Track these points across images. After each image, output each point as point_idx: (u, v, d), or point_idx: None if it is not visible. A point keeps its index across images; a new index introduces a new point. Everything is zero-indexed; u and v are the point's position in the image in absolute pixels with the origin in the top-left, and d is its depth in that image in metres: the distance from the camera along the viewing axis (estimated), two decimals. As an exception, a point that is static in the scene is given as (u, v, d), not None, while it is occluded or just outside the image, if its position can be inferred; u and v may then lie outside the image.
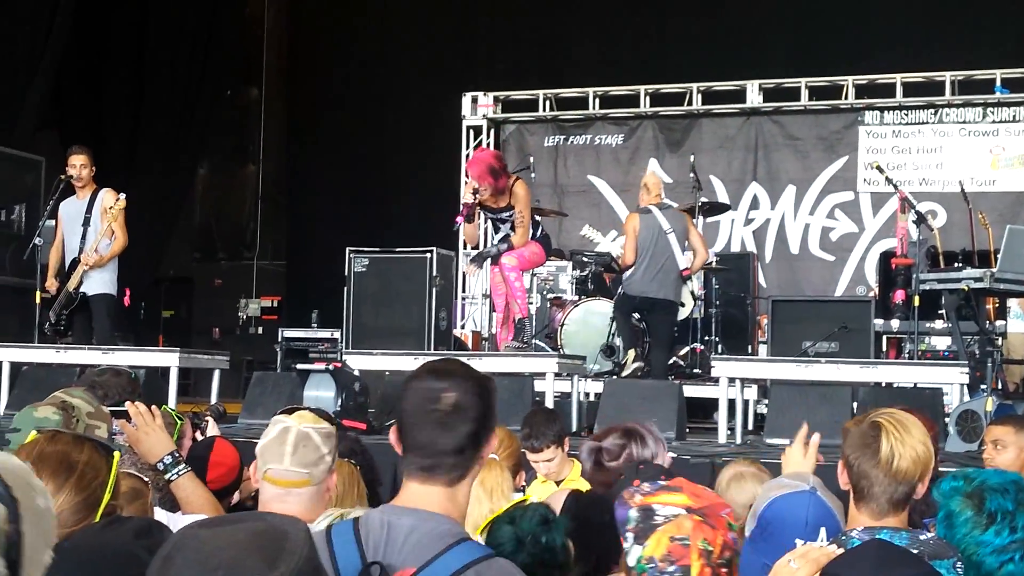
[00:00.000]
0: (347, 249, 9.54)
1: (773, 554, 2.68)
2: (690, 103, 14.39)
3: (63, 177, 9.81)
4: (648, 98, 14.54)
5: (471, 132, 15.12)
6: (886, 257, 11.58)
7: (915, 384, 8.73)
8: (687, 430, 8.44)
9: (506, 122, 15.10)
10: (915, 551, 2.22)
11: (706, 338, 10.87)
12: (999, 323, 10.57)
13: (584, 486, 3.72)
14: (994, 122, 13.45)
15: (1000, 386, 8.25)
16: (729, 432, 8.15)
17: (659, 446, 3.95)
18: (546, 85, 14.88)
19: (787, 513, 2.99)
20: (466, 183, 9.32)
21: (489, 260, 9.60)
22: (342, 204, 16.32)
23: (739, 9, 14.75)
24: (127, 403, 4.09)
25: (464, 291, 14.35)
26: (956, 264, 9.12)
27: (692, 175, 11.38)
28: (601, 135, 14.81)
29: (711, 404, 9.43)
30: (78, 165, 9.59)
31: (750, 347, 11.69)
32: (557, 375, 8.45)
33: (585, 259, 11.29)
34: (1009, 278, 7.97)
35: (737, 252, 13.52)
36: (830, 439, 5.52)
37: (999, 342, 9.77)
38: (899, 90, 13.65)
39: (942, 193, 13.22)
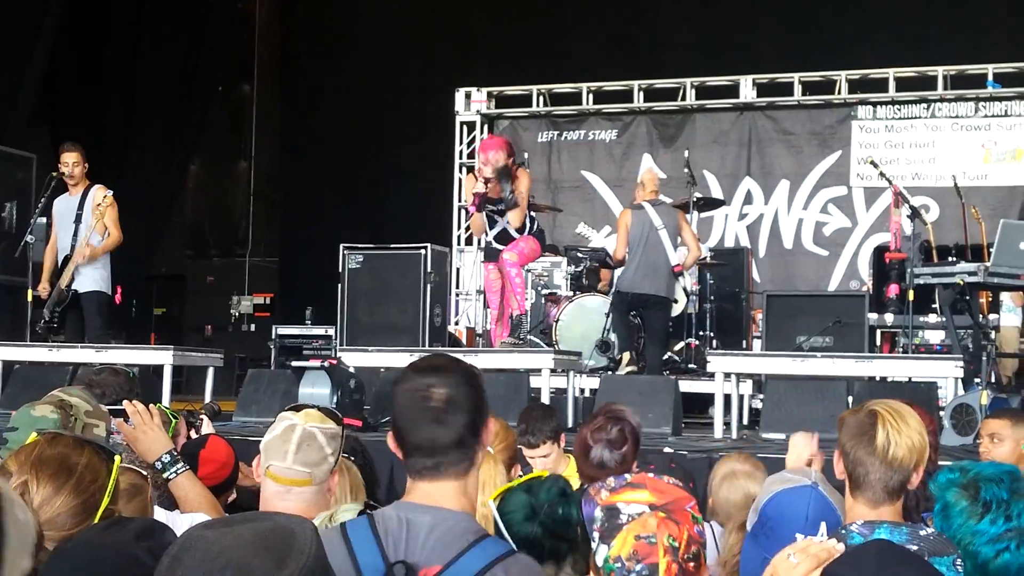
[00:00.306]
0: (341, 246, 9.52)
1: (773, 549, 2.67)
2: (684, 98, 14.40)
3: (54, 174, 9.78)
4: (642, 93, 14.55)
5: (465, 128, 15.11)
6: (880, 252, 11.61)
7: (910, 378, 8.74)
8: (683, 425, 8.44)
9: (500, 117, 15.09)
10: (915, 547, 2.22)
11: (701, 333, 10.88)
12: (992, 317, 10.58)
13: (578, 482, 3.73)
14: (986, 116, 13.48)
15: (994, 379, 8.27)
16: (725, 427, 8.15)
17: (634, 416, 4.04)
18: (540, 80, 14.89)
19: (788, 508, 2.99)
20: (477, 170, 9.27)
21: (485, 252, 9.59)
22: (335, 200, 16.32)
23: (732, 4, 14.78)
24: (125, 402, 4.07)
25: (459, 287, 14.35)
26: (950, 258, 9.13)
27: (686, 170, 11.41)
28: (595, 130, 14.81)
29: (707, 399, 9.43)
30: (70, 163, 9.56)
31: (745, 342, 11.70)
32: (553, 371, 8.44)
33: (580, 255, 11.29)
34: (1003, 272, 7.97)
35: (731, 247, 13.53)
36: (825, 433, 5.53)
37: (993, 336, 9.79)
38: (892, 85, 13.68)
39: (935, 187, 13.23)
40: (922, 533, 2.27)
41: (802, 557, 2.27)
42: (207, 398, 9.30)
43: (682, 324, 10.85)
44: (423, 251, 9.21)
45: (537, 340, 10.61)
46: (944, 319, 9.09)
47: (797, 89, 13.98)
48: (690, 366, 10.56)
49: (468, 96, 15.10)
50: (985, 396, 7.44)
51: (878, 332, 10.74)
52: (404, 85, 15.86)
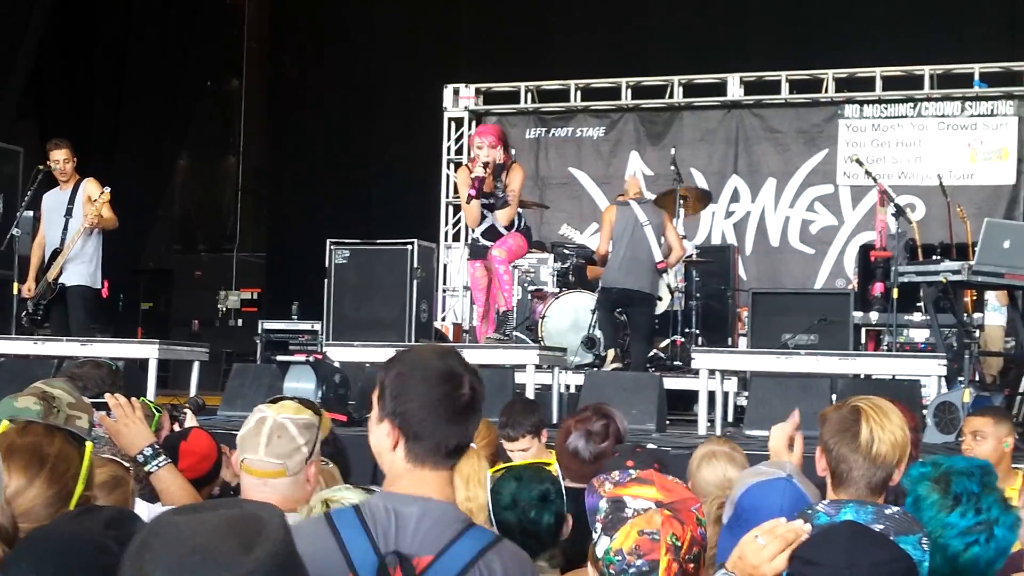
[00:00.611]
0: (327, 241, 9.52)
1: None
2: (671, 96, 14.41)
3: (41, 168, 9.77)
4: (629, 91, 14.56)
5: (452, 124, 15.11)
6: (865, 250, 11.63)
7: (893, 376, 8.77)
8: (667, 422, 8.47)
9: (487, 114, 15.09)
10: (881, 526, 2.24)
11: (686, 330, 10.90)
12: (977, 315, 10.64)
13: None
14: (973, 116, 13.52)
15: (977, 378, 8.30)
16: (709, 424, 8.18)
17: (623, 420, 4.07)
18: (528, 77, 14.90)
19: (763, 500, 3.01)
20: (471, 158, 9.26)
21: (471, 249, 9.60)
22: (323, 196, 16.31)
23: (720, 2, 14.81)
24: (107, 395, 4.06)
25: (445, 283, 14.36)
26: (934, 257, 9.16)
27: (673, 168, 11.42)
28: (582, 127, 14.82)
29: (691, 396, 9.46)
30: (60, 160, 9.54)
31: (730, 339, 11.73)
32: (538, 367, 8.46)
33: (566, 251, 11.32)
34: (986, 271, 8.01)
35: (718, 245, 13.55)
36: (809, 430, 5.55)
37: (976, 334, 9.84)
38: (879, 84, 13.71)
39: (921, 186, 13.27)
40: (887, 512, 2.28)
41: (769, 539, 2.29)
42: (192, 392, 9.30)
43: (668, 321, 10.87)
44: (410, 247, 9.20)
45: (523, 336, 10.63)
46: (928, 317, 9.11)
47: (784, 87, 14.01)
48: (676, 363, 10.59)
49: (456, 92, 15.10)
50: (968, 394, 7.48)
51: (863, 330, 10.76)
52: (392, 81, 15.85)
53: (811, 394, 7.92)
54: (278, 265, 17.45)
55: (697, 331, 10.99)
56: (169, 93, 17.14)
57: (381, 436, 2.52)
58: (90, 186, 9.54)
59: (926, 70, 13.51)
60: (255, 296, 18.53)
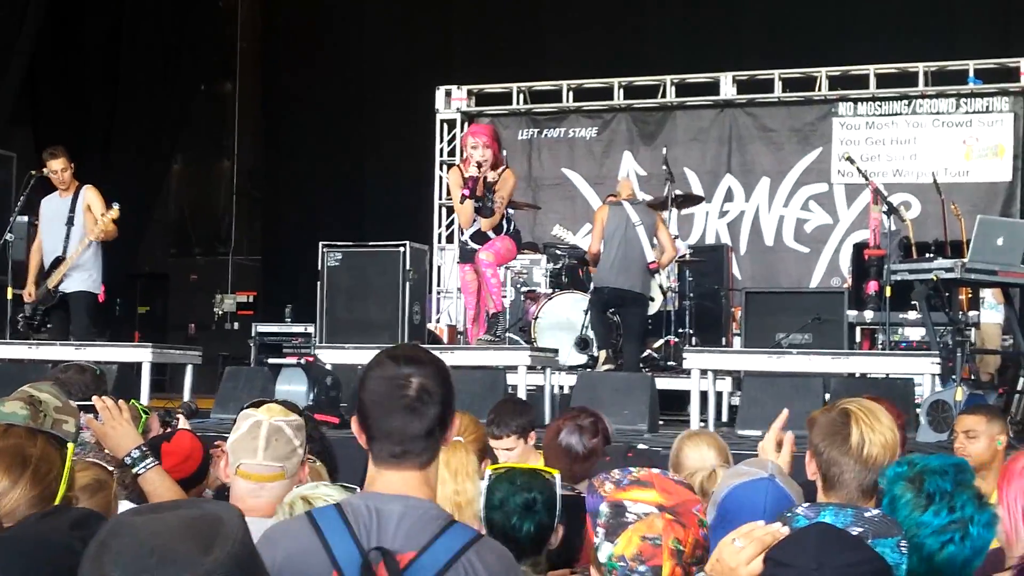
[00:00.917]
0: (320, 243, 9.52)
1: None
2: (664, 95, 14.40)
3: (34, 173, 9.77)
4: (622, 91, 14.55)
5: (445, 125, 15.11)
6: (859, 248, 11.63)
7: (887, 375, 8.76)
8: (660, 423, 8.46)
9: (480, 115, 15.07)
10: (860, 529, 2.23)
11: (680, 331, 10.89)
12: (972, 313, 10.61)
13: None
14: (967, 113, 13.51)
15: (972, 376, 8.29)
16: (702, 424, 8.17)
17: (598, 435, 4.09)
18: (520, 78, 14.89)
19: (745, 500, 3.00)
20: (464, 158, 9.25)
21: (460, 253, 9.60)
22: (317, 199, 16.32)
23: (713, 1, 14.79)
24: (94, 397, 4.07)
25: (439, 285, 14.36)
26: (928, 255, 9.15)
27: (664, 167, 11.40)
28: (575, 128, 14.81)
29: (686, 396, 9.45)
30: (58, 170, 9.54)
31: (724, 339, 11.72)
32: (530, 368, 8.46)
33: (559, 252, 11.31)
34: (980, 268, 8.00)
35: (711, 244, 13.54)
36: (802, 430, 5.54)
37: (970, 332, 9.81)
38: (873, 81, 13.70)
39: (916, 184, 13.27)
40: (867, 515, 2.28)
41: (746, 541, 2.28)
42: (186, 396, 9.29)
43: (661, 321, 10.87)
44: (402, 249, 9.20)
45: (515, 337, 10.63)
46: (922, 315, 9.10)
47: (777, 86, 14.00)
48: (669, 363, 10.58)
49: (448, 94, 15.09)
50: (960, 392, 7.47)
51: (858, 329, 10.76)
52: (385, 83, 15.85)
53: (804, 394, 7.92)
54: (273, 268, 17.45)
55: (691, 331, 10.99)
56: (163, 96, 17.14)
57: (356, 432, 2.59)
58: (90, 194, 9.54)
59: (920, 67, 13.50)
60: (251, 299, 18.51)
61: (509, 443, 4.95)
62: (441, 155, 15.02)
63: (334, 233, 10.05)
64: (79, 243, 9.44)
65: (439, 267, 14.39)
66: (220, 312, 18.67)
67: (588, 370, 9.81)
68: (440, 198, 14.81)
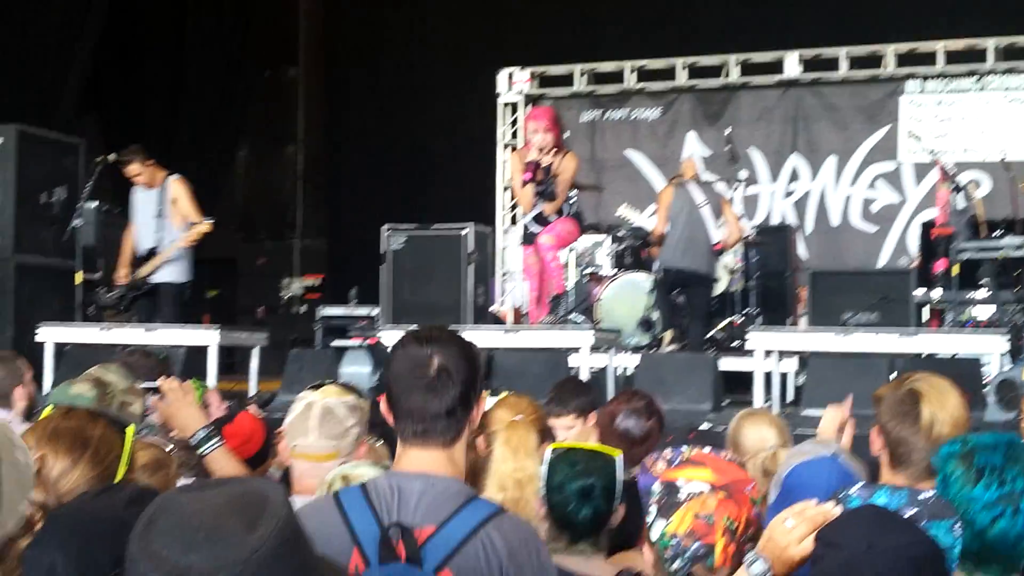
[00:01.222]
0: (384, 226, 9.57)
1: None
2: (728, 75, 14.29)
3: (99, 160, 9.94)
4: (685, 71, 14.45)
5: (507, 108, 15.11)
6: (927, 227, 11.50)
7: (955, 354, 8.66)
8: (724, 403, 8.42)
9: (542, 98, 15.04)
10: (914, 511, 2.22)
11: (745, 311, 10.82)
12: (1041, 291, 10.45)
13: None
14: (1039, 88, 13.28)
15: (1042, 354, 8.17)
16: (767, 404, 8.12)
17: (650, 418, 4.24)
18: (582, 59, 14.84)
19: (809, 479, 2.99)
20: (524, 142, 9.28)
21: (523, 235, 9.61)
22: (381, 182, 16.37)
23: (777, -22, 14.65)
24: (160, 379, 4.13)
25: (502, 267, 14.38)
26: (996, 233, 9.03)
27: (729, 147, 11.32)
28: (638, 109, 14.74)
29: (750, 377, 9.40)
30: (134, 174, 9.72)
31: (790, 319, 11.63)
32: (593, 349, 8.45)
33: (622, 233, 11.28)
34: (1050, 245, 7.89)
35: (776, 224, 13.44)
36: (867, 409, 5.49)
37: (1040, 310, 9.66)
38: (941, 58, 13.48)
39: (985, 162, 13.04)
40: (921, 497, 2.26)
41: (798, 520, 2.27)
42: (253, 378, 9.40)
43: (726, 302, 10.81)
44: (465, 231, 9.22)
45: (578, 319, 10.62)
46: (990, 293, 8.99)
47: (843, 64, 13.82)
48: (733, 344, 10.52)
49: (510, 77, 15.09)
50: (1029, 371, 7.38)
51: (925, 308, 10.62)
52: (447, 66, 15.86)
53: (869, 373, 7.83)
54: (339, 251, 17.56)
55: (756, 311, 10.91)
56: (227, 82, 17.29)
57: (384, 411, 2.64)
58: (176, 187, 9.72)
59: (990, 42, 13.25)
60: (318, 283, 18.65)
61: (568, 422, 4.95)
62: (504, 138, 15.03)
63: (398, 216, 10.08)
64: (170, 237, 9.61)
65: (503, 249, 14.41)
66: (287, 296, 18.83)
67: (652, 351, 9.79)
68: (503, 181, 14.82)
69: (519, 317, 12.48)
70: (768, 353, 8.23)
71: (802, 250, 13.30)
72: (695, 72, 14.49)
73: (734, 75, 14.24)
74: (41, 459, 2.56)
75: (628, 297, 10.59)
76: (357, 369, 8.10)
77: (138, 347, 5.73)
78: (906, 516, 2.22)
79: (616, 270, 11.01)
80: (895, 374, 7.80)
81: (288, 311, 18.49)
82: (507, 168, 14.38)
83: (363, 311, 12.13)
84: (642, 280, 10.55)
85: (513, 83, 15.06)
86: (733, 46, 14.18)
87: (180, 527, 1.44)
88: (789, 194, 14.09)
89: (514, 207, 14.48)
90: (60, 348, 9.57)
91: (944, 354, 8.66)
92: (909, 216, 13.59)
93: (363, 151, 16.88)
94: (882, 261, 13.51)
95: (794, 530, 2.26)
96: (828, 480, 2.95)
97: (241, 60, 17.60)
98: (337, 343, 8.55)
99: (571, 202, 9.33)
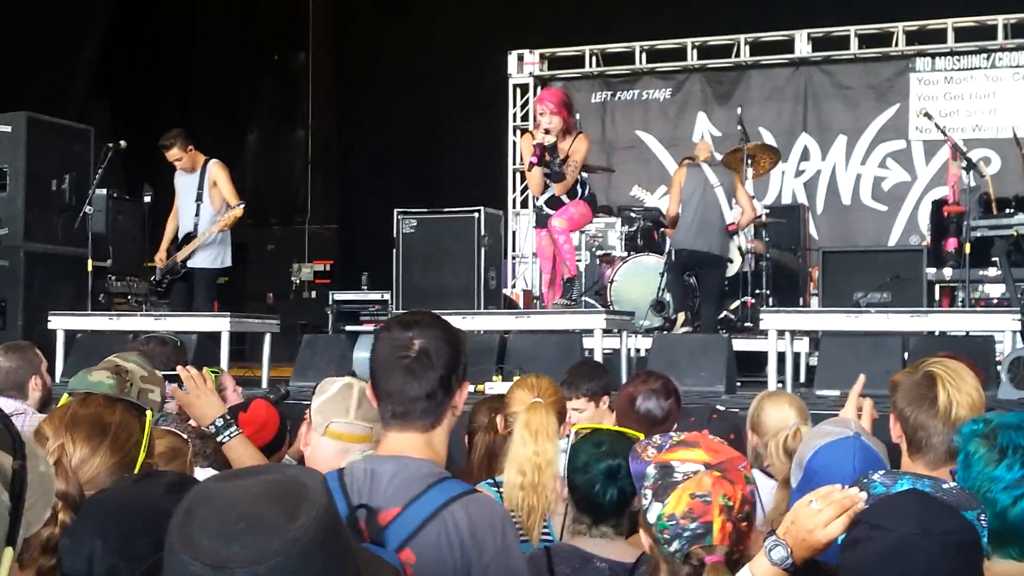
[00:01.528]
0: (395, 211, 9.56)
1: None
2: (738, 55, 14.26)
3: (111, 146, 9.94)
4: (695, 51, 14.42)
5: (518, 90, 15.09)
6: (938, 205, 11.45)
7: (967, 332, 8.64)
8: (738, 384, 8.42)
9: (552, 79, 15.03)
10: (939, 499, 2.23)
11: (757, 292, 10.81)
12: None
13: None
14: (1048, 66, 13.23)
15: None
16: (779, 385, 8.11)
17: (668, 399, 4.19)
18: (592, 41, 14.81)
19: (833, 461, 2.98)
20: (535, 124, 9.26)
21: (536, 218, 9.59)
22: (391, 166, 16.36)
23: (786, -42, 14.60)
24: (179, 367, 4.13)
25: (515, 250, 14.37)
26: (1008, 210, 8.99)
27: (740, 128, 11.29)
28: (648, 90, 14.73)
29: (763, 357, 9.39)
30: (174, 159, 9.73)
31: (802, 300, 11.62)
32: (606, 331, 8.44)
33: (633, 215, 11.27)
34: (1061, 222, 7.87)
35: (787, 204, 13.42)
36: (881, 389, 5.48)
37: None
38: (951, 35, 13.44)
39: (996, 139, 13.02)
40: (945, 487, 2.26)
41: (824, 503, 2.27)
42: (265, 365, 9.41)
43: (738, 283, 10.80)
44: (476, 214, 9.21)
45: (591, 301, 10.62)
46: (1002, 271, 8.96)
47: (853, 42, 13.80)
48: (746, 325, 10.51)
49: (520, 58, 15.08)
50: (1043, 348, 7.36)
51: (937, 287, 10.60)
52: (456, 49, 15.83)
53: (882, 353, 7.84)
54: (349, 237, 17.57)
55: (768, 292, 10.90)
56: (237, 67, 17.29)
57: (369, 396, 2.69)
58: (216, 171, 9.73)
59: (1000, 19, 13.22)
60: (328, 268, 18.64)
61: (579, 404, 4.96)
62: (514, 120, 15.02)
63: (409, 200, 10.07)
64: (210, 220, 9.62)
65: (514, 232, 14.41)
66: (298, 281, 18.83)
67: (665, 332, 9.79)
68: (514, 163, 14.82)
69: (531, 300, 12.48)
70: (781, 333, 8.22)
71: (812, 230, 13.28)
72: (705, 52, 14.47)
73: (744, 55, 14.21)
74: (60, 447, 2.57)
75: (640, 279, 10.58)
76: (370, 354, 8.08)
77: (155, 335, 5.73)
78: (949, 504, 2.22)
79: (628, 252, 11.00)
80: (908, 353, 7.82)
81: (298, 297, 18.48)
82: (518, 151, 14.37)
83: (375, 296, 12.13)
84: (654, 262, 10.54)
85: (524, 65, 15.04)
86: (743, 26, 14.16)
87: (220, 517, 1.43)
88: (800, 173, 14.07)
89: (524, 190, 14.46)
90: (71, 336, 9.57)
91: (957, 332, 8.65)
92: (919, 194, 13.57)
93: (373, 135, 16.86)
94: (893, 240, 13.49)
95: (821, 513, 2.26)
96: (852, 461, 2.95)
97: (250, 45, 17.59)
98: (350, 328, 8.55)
99: (584, 184, 9.30)
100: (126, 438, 2.67)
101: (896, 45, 13.68)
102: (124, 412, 2.73)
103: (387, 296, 11.47)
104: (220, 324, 9.11)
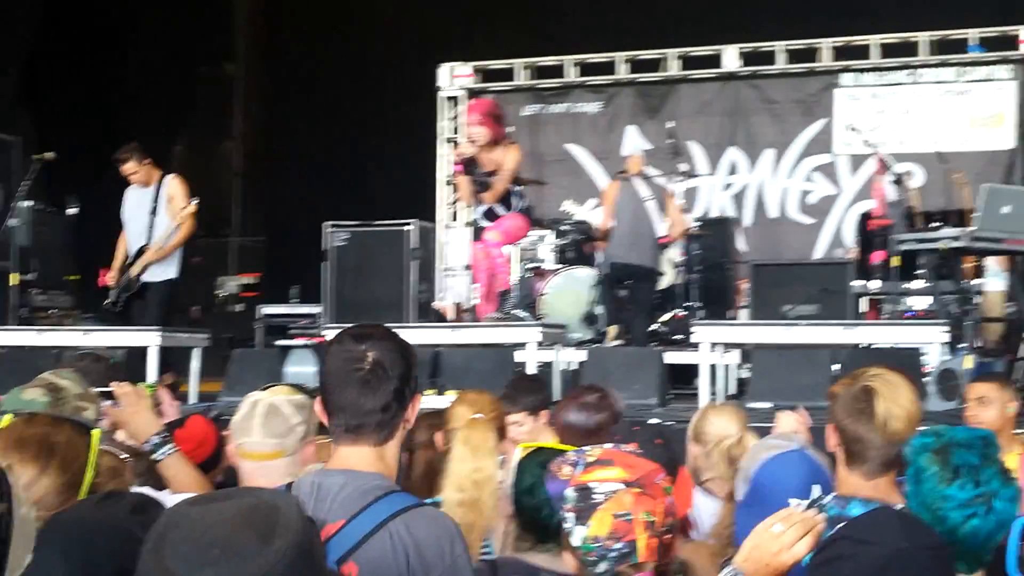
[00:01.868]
0: (325, 223, 9.51)
1: (768, 516, 2.69)
2: (668, 69, 14.37)
3: (37, 158, 9.79)
4: (626, 65, 14.51)
5: (449, 103, 15.08)
6: (864, 218, 11.63)
7: (895, 345, 8.77)
8: (670, 396, 8.48)
9: (483, 92, 15.03)
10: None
11: (687, 304, 10.88)
12: (977, 281, 10.62)
13: None
14: (969, 81, 13.46)
15: (979, 344, 8.31)
16: (712, 397, 8.18)
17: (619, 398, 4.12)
18: (523, 54, 14.84)
19: (780, 473, 3.00)
20: (468, 135, 9.26)
21: (474, 231, 9.60)
22: (321, 178, 16.26)
23: (716, -27, 14.74)
24: (113, 384, 4.07)
25: (445, 263, 14.34)
26: (934, 224, 9.15)
27: (670, 141, 11.39)
28: (579, 103, 14.78)
29: (693, 370, 9.45)
30: (130, 172, 9.58)
31: (731, 312, 11.71)
32: (539, 344, 8.46)
33: (565, 228, 11.29)
34: (986, 236, 8.01)
35: (717, 217, 13.53)
36: (812, 401, 5.55)
37: (977, 300, 9.83)
38: (875, 51, 13.65)
39: (919, 153, 13.22)
40: (897, 508, 2.31)
41: (786, 525, 2.28)
42: (194, 380, 9.30)
43: (668, 295, 10.86)
44: (408, 227, 9.19)
45: (523, 314, 10.62)
46: (928, 285, 9.11)
47: (781, 58, 13.96)
48: (677, 337, 10.57)
49: (452, 71, 15.06)
50: (969, 360, 7.49)
51: (863, 299, 10.75)
52: (388, 60, 15.79)
53: (812, 365, 7.94)
54: (277, 249, 17.42)
55: (698, 304, 10.97)
56: (165, 78, 17.10)
57: (318, 411, 2.66)
58: (173, 185, 9.62)
59: (922, 36, 13.45)
60: (254, 281, 18.47)
61: (518, 418, 4.95)
62: (445, 132, 15.00)
63: (338, 213, 10.02)
64: (164, 233, 9.47)
65: (444, 245, 14.38)
66: (223, 294, 18.65)
67: (597, 346, 9.82)
68: (445, 176, 14.79)
69: (460, 313, 12.46)
70: (712, 346, 8.28)
71: (741, 243, 13.40)
72: (635, 66, 14.56)
73: (674, 69, 14.32)
74: (7, 469, 2.51)
75: (571, 292, 10.60)
76: (302, 369, 8.04)
77: (89, 352, 5.64)
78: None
79: (559, 265, 11.02)
80: (838, 366, 7.92)
81: (223, 310, 18.30)
82: (448, 163, 14.35)
83: (304, 309, 12.03)
84: (585, 275, 10.56)
85: (455, 77, 15.04)
86: (673, 40, 14.26)
87: (193, 542, 1.41)
88: (728, 187, 14.19)
89: (455, 203, 14.46)
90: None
91: (885, 345, 8.78)
92: (845, 208, 13.74)
93: (302, 147, 16.77)
94: (819, 253, 13.65)
95: (785, 534, 2.27)
96: (800, 473, 2.97)
97: (179, 55, 17.40)
98: (282, 343, 8.48)
99: (520, 197, 9.30)
100: (73, 458, 2.63)
101: (822, 61, 13.86)
102: (71, 431, 2.69)
103: (317, 309, 11.39)
104: (150, 339, 8.98)
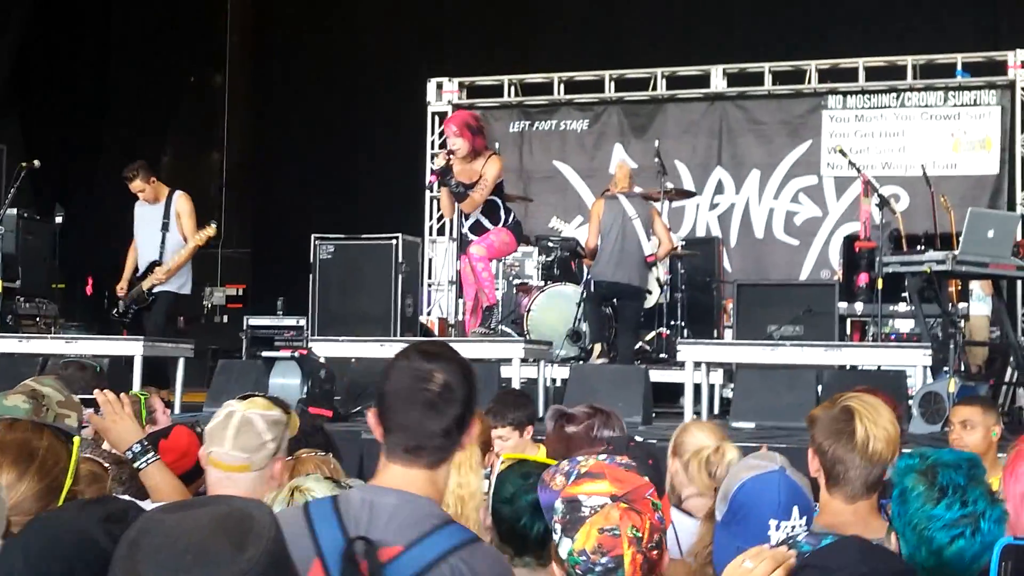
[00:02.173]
0: (312, 236, 9.51)
1: (747, 536, 2.69)
2: (655, 88, 14.41)
3: (24, 165, 9.77)
4: (613, 83, 14.55)
5: (436, 118, 15.09)
6: (849, 241, 11.66)
7: (879, 367, 8.80)
8: (653, 415, 8.48)
9: (471, 108, 15.05)
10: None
11: (672, 323, 10.90)
12: (961, 305, 10.66)
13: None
14: (955, 106, 13.53)
15: (963, 368, 8.33)
16: (695, 416, 8.18)
17: (622, 431, 4.09)
18: (511, 71, 14.88)
19: (759, 494, 3.00)
20: (439, 153, 9.25)
21: (459, 244, 9.59)
22: (308, 191, 16.27)
23: (704, -6, 14.83)
24: (96, 391, 4.05)
25: (431, 277, 14.34)
26: (919, 247, 9.18)
27: (657, 160, 11.42)
28: (566, 120, 14.80)
29: (678, 389, 9.48)
30: (138, 190, 9.67)
31: (716, 331, 11.74)
32: (523, 360, 8.46)
33: (551, 244, 11.31)
34: (971, 260, 8.04)
35: (702, 237, 13.57)
36: (795, 422, 5.56)
37: (961, 324, 9.87)
38: (862, 74, 13.72)
39: (904, 177, 13.29)
40: (872, 541, 2.32)
41: (758, 560, 2.29)
42: (178, 390, 9.28)
43: (653, 314, 10.88)
44: (394, 241, 9.20)
45: (508, 330, 10.63)
46: (913, 308, 9.14)
47: (767, 79, 14.02)
48: (661, 356, 10.60)
49: (440, 86, 15.09)
50: (953, 384, 7.51)
51: (848, 321, 10.79)
52: (376, 75, 15.83)
53: (797, 386, 7.96)
54: (263, 261, 17.41)
55: (683, 323, 11.00)
56: (152, 88, 17.09)
57: (373, 424, 2.56)
58: (181, 203, 9.66)
59: (909, 60, 13.53)
60: (240, 292, 18.43)
61: (504, 433, 4.96)
62: (432, 147, 15.01)
63: (325, 226, 10.04)
64: (175, 250, 9.55)
65: (431, 259, 14.38)
66: (209, 305, 18.60)
67: (581, 363, 9.82)
68: (431, 191, 14.79)
69: (446, 328, 12.46)
70: (697, 365, 8.30)
71: (726, 262, 13.44)
72: (622, 85, 14.60)
73: (661, 88, 14.37)
74: None
75: (556, 308, 10.61)
76: (287, 380, 8.02)
77: (74, 360, 5.63)
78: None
79: (545, 281, 11.04)
80: (821, 387, 7.94)
81: (209, 321, 18.26)
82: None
83: (290, 321, 12.02)
84: (570, 291, 10.58)
85: (443, 93, 15.06)
86: (660, 60, 14.32)
87: (166, 549, 1.41)
88: (714, 207, 14.22)
89: (441, 217, 14.47)
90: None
91: (870, 367, 8.80)
92: (830, 230, 13.78)
93: (289, 159, 16.77)
94: (804, 274, 13.68)
95: (756, 568, 2.28)
96: (778, 495, 2.97)
97: (167, 65, 17.39)
98: (266, 354, 8.48)
99: (509, 211, 9.28)
100: (53, 464, 2.63)
101: (809, 83, 13.92)
102: (52, 438, 2.69)
103: (303, 322, 11.38)
104: (134, 348, 8.98)
